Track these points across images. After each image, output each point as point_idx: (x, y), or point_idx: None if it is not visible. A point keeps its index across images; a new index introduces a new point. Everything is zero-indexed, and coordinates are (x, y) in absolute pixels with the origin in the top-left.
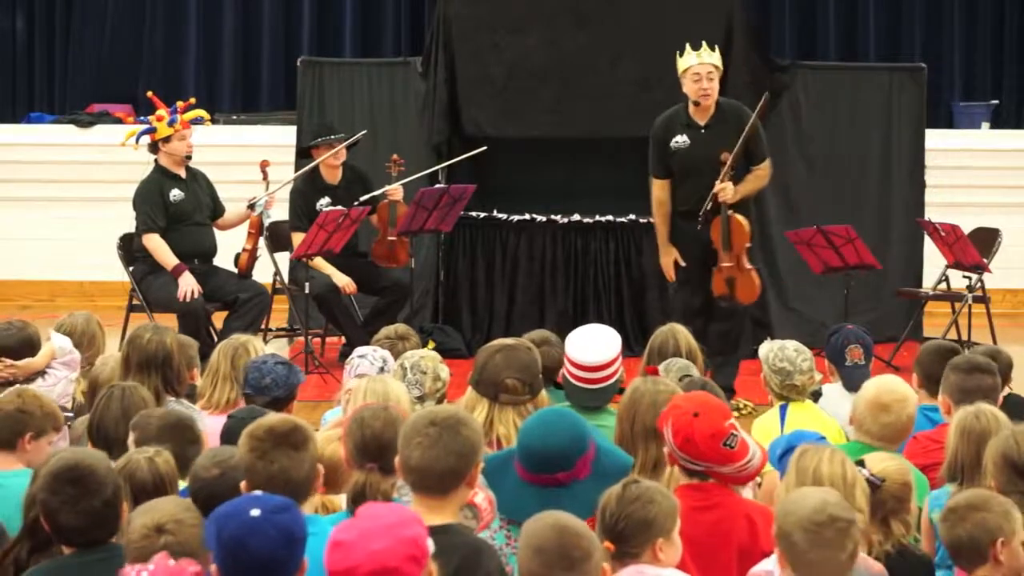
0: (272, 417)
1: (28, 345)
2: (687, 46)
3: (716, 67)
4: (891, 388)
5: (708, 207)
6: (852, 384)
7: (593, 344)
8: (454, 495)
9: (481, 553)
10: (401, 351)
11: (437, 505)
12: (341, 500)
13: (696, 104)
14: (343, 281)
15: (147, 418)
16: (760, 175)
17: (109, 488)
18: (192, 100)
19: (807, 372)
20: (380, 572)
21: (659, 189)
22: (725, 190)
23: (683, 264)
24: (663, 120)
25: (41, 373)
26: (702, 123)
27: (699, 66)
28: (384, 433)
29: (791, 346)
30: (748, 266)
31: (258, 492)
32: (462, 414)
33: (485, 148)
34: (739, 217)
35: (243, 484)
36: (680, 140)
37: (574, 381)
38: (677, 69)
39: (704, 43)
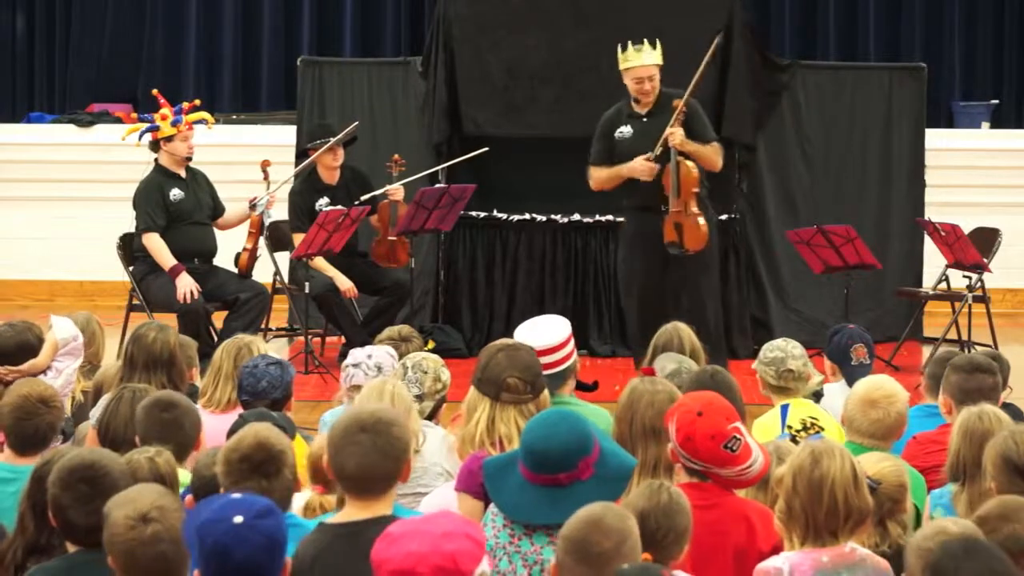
0: (249, 440)
1: (26, 348)
2: (629, 43)
3: (658, 66)
4: (880, 385)
5: (659, 152)
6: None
7: (538, 329)
8: (390, 492)
9: None
10: (404, 353)
11: (373, 504)
12: None
13: (637, 101)
14: (346, 285)
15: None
16: (715, 147)
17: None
18: (197, 102)
19: (800, 358)
20: (402, 573)
21: (595, 172)
22: (675, 134)
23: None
24: (610, 113)
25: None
26: (643, 113)
27: (642, 68)
28: None
29: (779, 339)
30: (695, 211)
31: (236, 495)
32: (387, 414)
33: (487, 149)
34: (688, 163)
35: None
36: (624, 131)
37: None
38: (618, 64)
39: (646, 40)
